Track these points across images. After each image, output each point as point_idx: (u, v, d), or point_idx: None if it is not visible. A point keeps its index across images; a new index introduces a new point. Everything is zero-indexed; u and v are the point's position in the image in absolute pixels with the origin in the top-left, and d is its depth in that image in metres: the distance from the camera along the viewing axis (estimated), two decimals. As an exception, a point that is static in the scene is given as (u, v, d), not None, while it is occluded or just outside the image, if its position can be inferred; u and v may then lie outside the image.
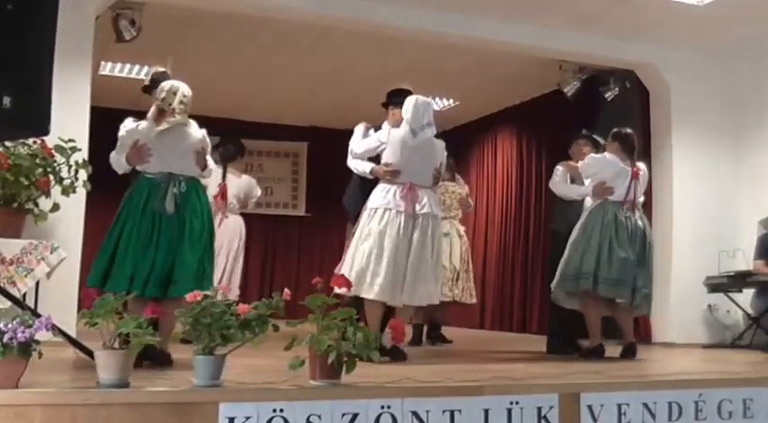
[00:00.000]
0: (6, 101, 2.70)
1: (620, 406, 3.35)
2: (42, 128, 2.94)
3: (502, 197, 10.53)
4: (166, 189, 4.20)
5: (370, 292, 4.81)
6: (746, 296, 7.23)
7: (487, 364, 4.83)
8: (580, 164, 5.87)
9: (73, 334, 3.76)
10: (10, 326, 2.62)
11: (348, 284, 4.41)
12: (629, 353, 5.45)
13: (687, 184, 7.71)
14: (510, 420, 3.13)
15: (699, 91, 7.83)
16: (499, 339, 8.44)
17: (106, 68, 8.87)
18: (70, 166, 5.39)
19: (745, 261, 7.26)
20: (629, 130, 5.87)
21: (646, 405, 3.40)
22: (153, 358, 3.94)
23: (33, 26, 2.77)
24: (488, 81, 9.21)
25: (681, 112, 7.81)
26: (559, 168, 6.09)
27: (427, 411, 2.99)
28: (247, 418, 2.74)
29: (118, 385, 2.73)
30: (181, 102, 4.29)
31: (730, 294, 7.31)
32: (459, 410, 3.05)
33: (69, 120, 5.29)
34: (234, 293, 6.47)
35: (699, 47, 7.78)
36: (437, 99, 10.16)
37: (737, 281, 7.16)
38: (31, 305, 4.53)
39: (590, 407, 3.29)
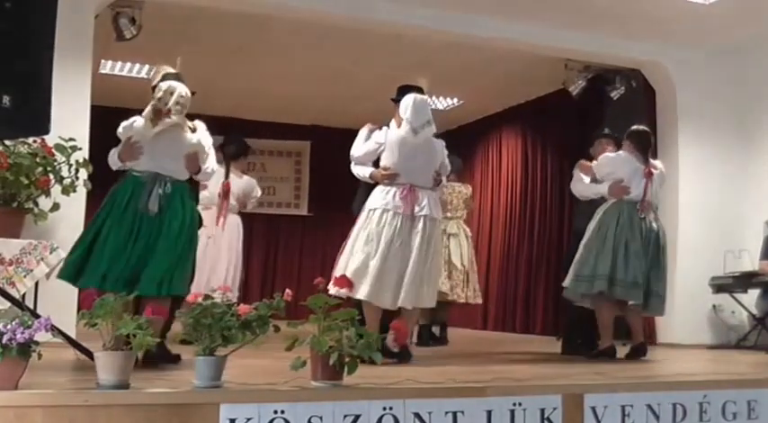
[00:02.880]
0: (6, 100, 2.67)
1: (623, 407, 3.33)
2: (42, 127, 2.91)
3: (506, 197, 10.50)
4: (151, 188, 4.13)
5: (362, 293, 4.66)
6: (751, 297, 7.20)
7: (490, 365, 4.81)
8: (593, 163, 5.78)
9: (72, 335, 3.74)
10: (9, 327, 2.60)
11: (349, 285, 4.38)
12: (639, 352, 5.40)
13: (693, 183, 7.68)
14: (513, 422, 3.11)
15: (705, 89, 7.79)
16: (502, 340, 8.41)
17: (106, 67, 8.86)
18: (70, 166, 5.38)
19: (751, 261, 7.22)
20: (642, 128, 5.78)
21: (650, 406, 3.38)
22: (154, 358, 3.88)
23: (32, 24, 2.75)
24: (493, 80, 9.18)
25: (687, 111, 7.78)
26: (577, 169, 6.00)
27: (429, 413, 2.97)
28: (248, 419, 2.72)
29: (118, 386, 2.71)
30: (177, 102, 4.22)
31: (735, 295, 7.27)
32: (462, 412, 3.02)
33: (69, 119, 5.27)
34: (234, 294, 6.33)
35: (705, 45, 7.74)
36: (441, 98, 10.15)
37: (743, 281, 7.12)
38: (31, 306, 4.51)
39: (593, 408, 3.27)
